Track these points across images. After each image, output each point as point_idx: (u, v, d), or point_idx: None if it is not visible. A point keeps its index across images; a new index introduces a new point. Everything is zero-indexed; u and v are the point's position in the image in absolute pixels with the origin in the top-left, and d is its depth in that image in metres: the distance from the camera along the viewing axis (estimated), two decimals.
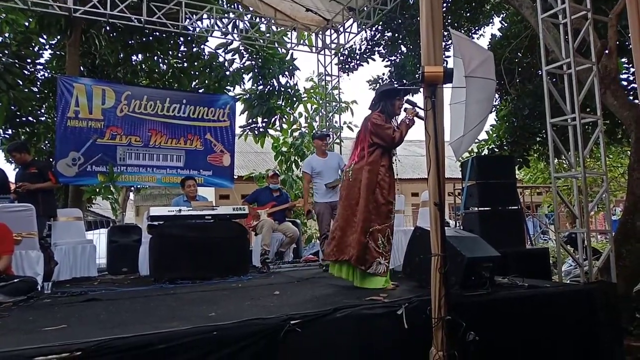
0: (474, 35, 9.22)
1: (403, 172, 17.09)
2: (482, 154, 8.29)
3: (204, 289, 4.05)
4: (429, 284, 2.71)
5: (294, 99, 9.65)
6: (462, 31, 8.86)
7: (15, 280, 3.67)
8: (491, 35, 8.83)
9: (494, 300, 3.05)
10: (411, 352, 2.60)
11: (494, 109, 8.37)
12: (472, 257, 3.13)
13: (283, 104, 9.59)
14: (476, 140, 7.67)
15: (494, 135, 8.48)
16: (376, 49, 9.81)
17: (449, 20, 8.69)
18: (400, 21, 9.03)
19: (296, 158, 9.96)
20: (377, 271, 3.43)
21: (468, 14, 9.22)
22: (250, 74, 9.36)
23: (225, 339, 2.24)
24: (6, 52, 7.85)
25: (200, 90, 9.40)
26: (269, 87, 9.37)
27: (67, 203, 7.94)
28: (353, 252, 3.47)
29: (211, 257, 4.72)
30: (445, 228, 2.75)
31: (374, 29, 9.48)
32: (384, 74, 9.79)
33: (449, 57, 7.80)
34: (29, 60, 8.57)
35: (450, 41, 7.95)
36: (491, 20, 9.48)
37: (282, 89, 9.45)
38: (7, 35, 8.31)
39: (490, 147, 8.41)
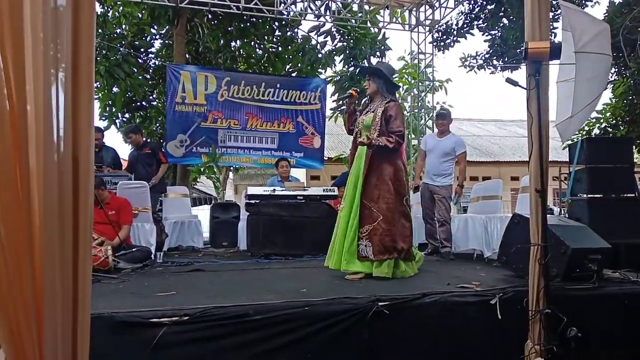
0: (587, 3, 8.29)
1: (502, 155, 16.15)
2: (592, 134, 7.52)
3: (296, 265, 4.23)
4: (526, 274, 2.58)
5: None
6: (574, 1, 8.01)
7: (134, 250, 4.15)
8: (609, 3, 7.80)
9: (602, 295, 2.80)
10: (503, 344, 2.51)
11: (609, 85, 7.52)
12: (577, 247, 2.89)
13: None
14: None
15: (608, 113, 7.62)
16: (475, 23, 9.25)
17: None
18: None
19: None
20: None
21: None
22: (342, 56, 9.37)
23: (316, 315, 2.33)
24: (123, 42, 8.69)
25: (294, 74, 9.64)
26: (359, 68, 9.31)
27: (176, 181, 8.70)
28: None
29: (302, 236, 4.90)
30: (548, 216, 2.58)
31: (472, 1, 8.94)
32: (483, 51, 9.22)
33: (557, 28, 7.11)
34: (142, 50, 9.41)
35: (559, 11, 7.24)
36: None
37: None
38: (124, 27, 9.20)
39: (602, 126, 7.59)
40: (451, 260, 4.60)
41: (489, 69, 9.39)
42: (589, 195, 4.32)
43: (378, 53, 9.25)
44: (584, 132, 7.54)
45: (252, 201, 5.12)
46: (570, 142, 5.01)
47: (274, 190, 5.11)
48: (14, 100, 1.21)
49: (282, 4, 7.68)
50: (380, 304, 2.42)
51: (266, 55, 9.88)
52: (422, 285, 2.96)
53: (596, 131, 7.61)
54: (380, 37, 9.19)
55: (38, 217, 1.24)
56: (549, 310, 2.34)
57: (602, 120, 7.63)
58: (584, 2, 8.22)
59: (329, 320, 2.34)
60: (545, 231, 2.42)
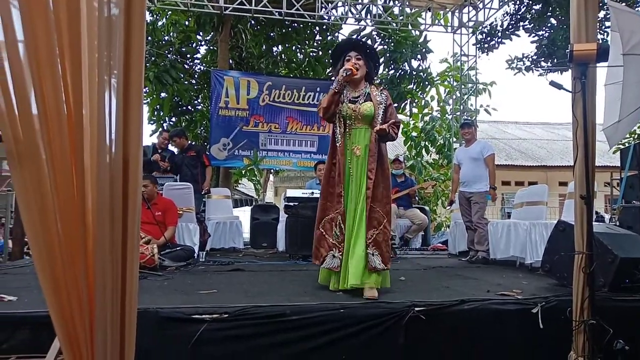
0: None
1: (550, 159, 15.54)
2: None
3: None
4: (570, 283, 2.49)
5: (426, 82, 9.39)
6: None
7: (178, 249, 4.31)
8: None
9: None
10: (545, 354, 2.43)
11: None
12: (626, 257, 2.77)
13: (414, 87, 9.40)
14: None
15: None
16: (521, 23, 8.98)
17: None
18: None
19: (426, 143, 9.71)
20: (332, 266, 2.92)
21: None
22: (382, 59, 9.34)
23: (352, 318, 2.35)
24: (171, 49, 9.04)
25: (333, 78, 9.70)
26: (400, 71, 9.26)
27: (218, 183, 8.94)
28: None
29: None
30: (596, 224, 2.48)
31: (518, 2, 8.69)
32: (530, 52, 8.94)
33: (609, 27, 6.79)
34: (188, 56, 9.76)
35: None
36: None
37: (414, 73, 9.25)
38: (171, 34, 9.58)
39: None
40: (491, 267, 4.51)
41: (537, 70, 9.09)
42: None
43: (419, 55, 9.16)
44: (637, 136, 7.15)
45: (291, 203, 5.20)
46: (622, 146, 4.78)
47: (312, 192, 5.16)
48: (71, 104, 1.31)
49: (323, 9, 7.76)
50: (416, 309, 2.41)
51: (307, 59, 10.00)
52: (461, 292, 2.92)
53: None
54: (421, 39, 9.10)
55: (91, 214, 1.33)
56: (594, 321, 2.25)
57: None
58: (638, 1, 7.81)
59: (364, 323, 2.35)
60: (591, 239, 2.33)
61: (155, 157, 5.91)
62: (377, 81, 3.30)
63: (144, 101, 9.24)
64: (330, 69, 9.88)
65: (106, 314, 1.33)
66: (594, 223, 2.50)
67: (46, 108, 1.27)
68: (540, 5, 8.52)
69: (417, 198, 7.12)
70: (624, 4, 6.76)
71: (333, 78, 3.12)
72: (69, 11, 1.31)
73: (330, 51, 9.73)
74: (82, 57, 1.32)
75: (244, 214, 8.80)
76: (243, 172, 8.21)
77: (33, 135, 1.26)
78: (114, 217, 1.35)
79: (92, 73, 1.33)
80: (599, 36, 7.31)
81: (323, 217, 3.01)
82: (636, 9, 7.39)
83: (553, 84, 2.52)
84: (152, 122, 9.58)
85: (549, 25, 8.47)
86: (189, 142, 6.76)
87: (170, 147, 6.34)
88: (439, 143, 9.66)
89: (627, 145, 4.83)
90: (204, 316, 2.21)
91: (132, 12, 1.40)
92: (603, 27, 7.33)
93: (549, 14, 8.39)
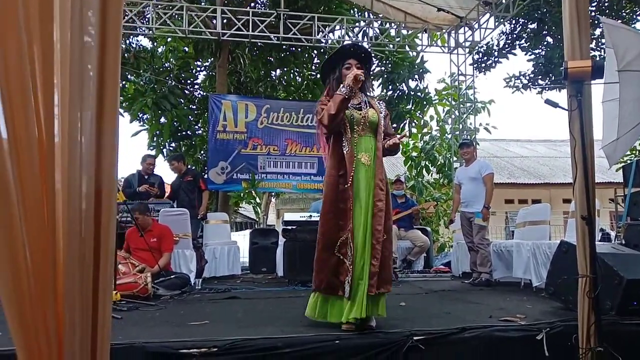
0: (639, 18, 7.90)
1: (552, 176, 15.43)
2: None
3: None
4: (576, 306, 2.39)
5: (424, 102, 9.40)
6: (624, 14, 7.66)
7: (172, 277, 4.21)
8: None
9: None
10: None
11: None
12: (633, 278, 2.66)
13: (413, 107, 9.40)
14: None
15: None
16: (517, 42, 9.05)
17: (606, 4, 7.60)
18: (545, 10, 8.18)
19: (427, 163, 9.65)
20: (345, 294, 2.55)
21: None
22: (380, 80, 9.37)
23: (347, 349, 2.25)
24: (171, 76, 9.11)
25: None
26: (398, 92, 9.28)
27: (217, 207, 8.86)
28: (316, 277, 2.73)
29: None
30: (600, 243, 2.39)
31: (514, 21, 8.76)
32: (526, 70, 8.96)
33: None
34: (187, 82, 9.82)
35: None
36: None
37: (412, 93, 9.27)
38: (170, 61, 9.67)
39: None
40: (494, 290, 4.40)
41: (535, 88, 9.11)
42: None
43: (417, 76, 9.19)
44: (638, 152, 7.07)
45: (289, 227, 5.12)
46: (623, 163, 4.71)
47: (311, 216, 5.08)
48: (43, 132, 1.26)
49: (320, 33, 7.82)
50: (415, 338, 2.31)
51: (305, 82, 10.05)
52: (462, 318, 2.81)
53: None
54: (418, 60, 9.15)
55: (62, 249, 1.26)
56: (602, 348, 2.14)
57: None
58: (634, 16, 7.86)
59: (362, 354, 2.25)
60: (594, 262, 2.24)
61: (142, 187, 5.65)
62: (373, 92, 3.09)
63: (144, 127, 9.31)
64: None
65: (75, 351, 1.25)
66: (598, 243, 2.42)
67: (16, 133, 1.22)
68: (535, 24, 8.58)
69: (419, 218, 7.00)
70: (619, 20, 6.80)
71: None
72: (42, 39, 1.27)
73: None
74: (54, 85, 1.28)
75: (244, 238, 8.70)
76: (241, 195, 8.17)
77: (2, 160, 1.20)
78: (85, 250, 1.28)
79: (64, 100, 1.29)
80: (597, 53, 7.33)
81: (337, 239, 2.61)
82: (632, 25, 7.42)
83: (548, 102, 2.46)
84: (152, 147, 9.58)
85: (545, 43, 8.52)
86: (187, 166, 6.71)
87: (156, 172, 6.16)
88: (439, 162, 9.60)
89: (628, 161, 4.75)
90: (192, 350, 2.11)
91: (107, 41, 1.36)
92: (600, 44, 7.35)
93: (544, 32, 8.45)
